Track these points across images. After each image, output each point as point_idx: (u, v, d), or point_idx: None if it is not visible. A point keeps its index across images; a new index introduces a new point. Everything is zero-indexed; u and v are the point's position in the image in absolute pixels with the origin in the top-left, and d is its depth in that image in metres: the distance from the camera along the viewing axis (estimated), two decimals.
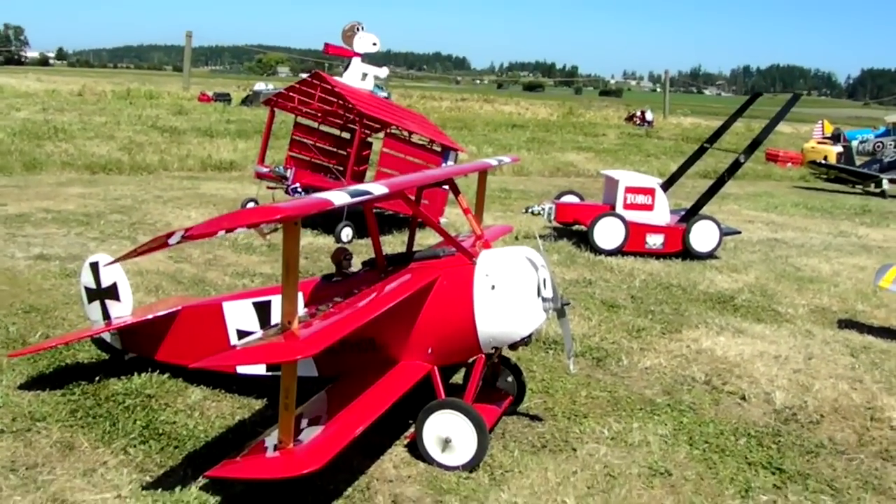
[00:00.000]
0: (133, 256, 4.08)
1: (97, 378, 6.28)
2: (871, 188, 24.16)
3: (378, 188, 4.63)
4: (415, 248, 6.10)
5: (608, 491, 5.15)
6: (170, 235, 3.63)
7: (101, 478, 4.94)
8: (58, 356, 6.73)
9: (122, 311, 6.45)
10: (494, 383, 6.18)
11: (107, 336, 6.55)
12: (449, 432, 5.19)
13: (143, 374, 6.35)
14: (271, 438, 4.61)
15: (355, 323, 4.45)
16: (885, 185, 23.42)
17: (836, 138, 30.48)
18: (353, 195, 4.32)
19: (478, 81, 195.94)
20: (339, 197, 4.17)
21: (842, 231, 15.96)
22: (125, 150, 20.38)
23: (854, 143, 28.70)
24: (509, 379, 6.23)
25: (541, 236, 6.23)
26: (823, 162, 26.71)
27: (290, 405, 4.30)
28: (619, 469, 5.45)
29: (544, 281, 5.46)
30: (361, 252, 6.49)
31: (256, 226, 3.91)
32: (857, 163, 26.55)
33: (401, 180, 5.39)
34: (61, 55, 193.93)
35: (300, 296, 5.44)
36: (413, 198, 5.68)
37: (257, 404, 6.09)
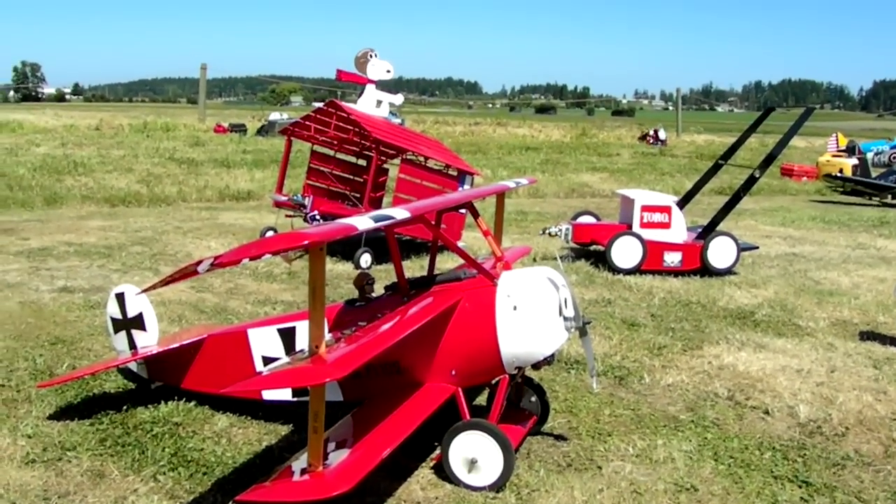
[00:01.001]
0: (162, 286, 4.15)
1: (125, 407, 6.37)
2: (889, 199, 24.13)
3: (400, 212, 4.71)
4: (436, 272, 6.16)
5: None
6: (198, 264, 3.70)
7: None
8: (85, 386, 6.82)
9: (148, 340, 6.53)
10: (518, 403, 6.22)
11: (133, 366, 6.62)
12: (475, 453, 5.23)
13: (169, 403, 6.42)
14: (299, 463, 4.66)
15: (381, 346, 4.51)
16: None
17: (850, 151, 30.43)
18: (376, 220, 4.40)
19: (490, 105, 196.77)
20: (362, 222, 4.24)
21: (860, 243, 15.92)
22: (144, 182, 20.59)
23: (869, 155, 28.64)
24: (533, 399, 6.26)
25: (560, 257, 6.28)
26: (839, 175, 26.68)
27: (318, 428, 4.36)
28: (645, 486, 5.46)
29: (565, 300, 5.51)
30: (381, 278, 6.56)
31: (283, 252, 3.98)
32: (873, 174, 26.50)
33: (421, 204, 5.46)
34: (77, 90, 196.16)
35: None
36: (433, 222, 5.75)
37: (284, 430, 6.14)
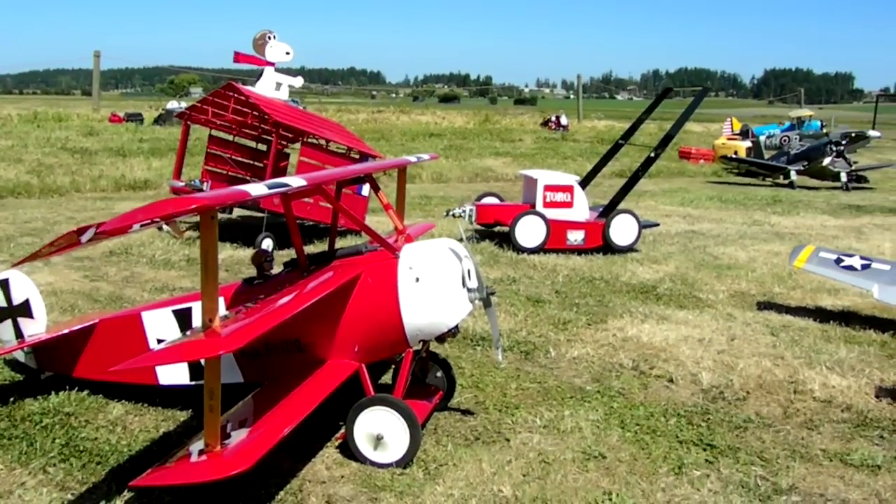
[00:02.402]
0: (43, 256, 3.92)
1: (11, 399, 6.04)
2: (780, 180, 24.95)
3: (297, 181, 4.56)
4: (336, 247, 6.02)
5: (544, 477, 5.13)
6: (81, 232, 3.49)
7: (18, 499, 4.72)
8: None
9: (36, 328, 6.22)
10: (424, 379, 6.13)
11: (21, 356, 6.30)
12: (380, 429, 5.12)
13: (60, 393, 6.11)
14: (196, 445, 4.48)
15: (279, 318, 4.35)
16: (793, 176, 24.16)
17: (744, 134, 31.28)
18: (270, 187, 4.24)
19: (394, 95, 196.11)
20: (256, 188, 4.08)
21: (755, 220, 16.35)
22: (34, 172, 19.77)
23: (762, 139, 29.49)
24: (438, 374, 6.18)
25: (464, 233, 6.21)
26: (734, 157, 27.49)
27: (215, 407, 4.18)
28: (554, 455, 5.44)
29: (469, 271, 5.44)
30: (282, 263, 6.40)
31: (172, 217, 3.79)
32: (766, 156, 27.37)
33: (320, 174, 5.31)
34: None
35: (221, 300, 5.33)
36: (333, 195, 5.61)
37: (182, 416, 5.92)
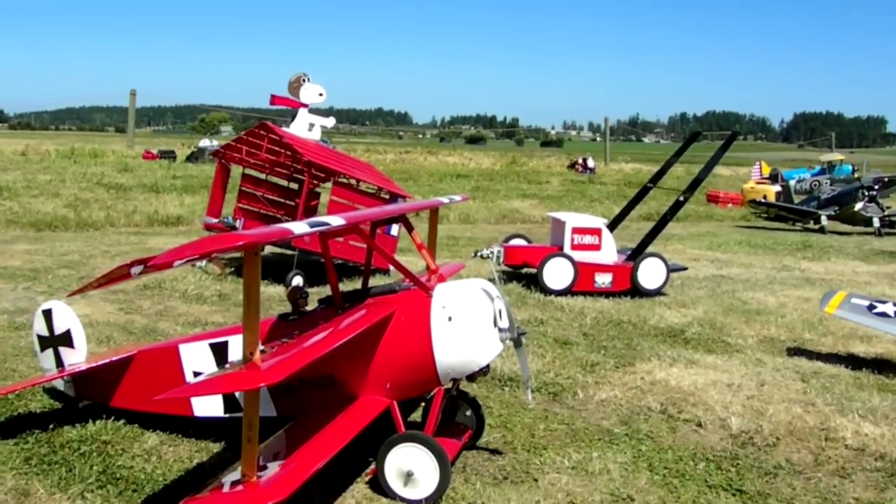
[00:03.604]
0: (92, 288, 4.05)
1: (51, 426, 6.18)
2: (811, 225, 24.89)
3: (336, 220, 4.69)
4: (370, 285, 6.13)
5: None
6: (131, 265, 3.63)
7: None
8: (9, 406, 6.61)
9: (76, 358, 6.36)
10: (454, 418, 6.20)
11: (60, 384, 6.45)
12: (411, 465, 5.20)
13: (98, 421, 6.25)
14: (229, 477, 4.57)
15: (317, 353, 4.45)
16: (824, 221, 24.14)
17: (774, 178, 31.30)
18: (312, 226, 4.37)
19: (420, 135, 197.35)
20: (298, 227, 4.21)
21: (785, 265, 16.32)
22: (71, 206, 20.15)
23: (791, 183, 29.48)
24: (468, 413, 6.24)
25: (495, 272, 6.31)
26: (763, 201, 27.44)
27: (253, 437, 4.28)
28: (582, 497, 5.48)
29: (500, 311, 5.53)
30: (312, 301, 6.52)
31: (218, 253, 3.91)
32: (796, 201, 27.33)
33: (357, 214, 5.44)
34: (2, 117, 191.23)
35: None
36: (368, 233, 5.74)
37: (216, 447, 6.02)
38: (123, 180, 24.20)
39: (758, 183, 31.26)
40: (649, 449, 6.39)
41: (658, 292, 12.38)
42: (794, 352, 9.35)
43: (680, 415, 7.16)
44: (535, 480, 5.73)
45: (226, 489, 4.43)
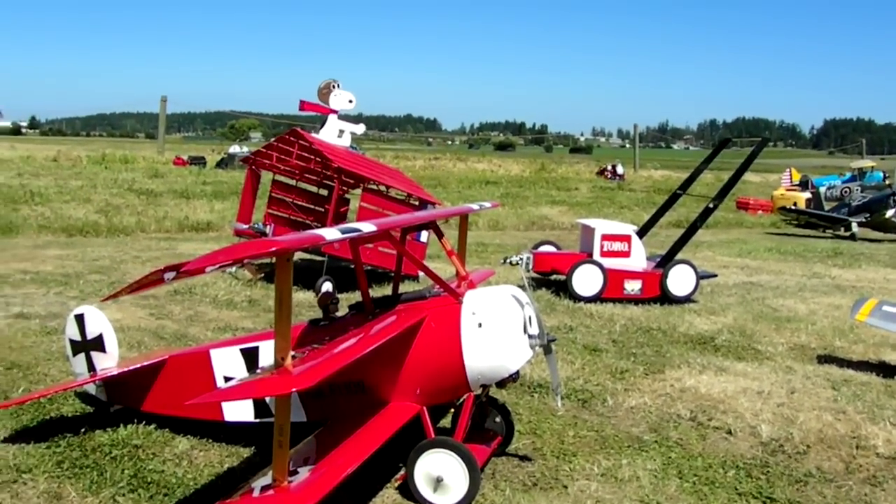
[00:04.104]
0: (126, 293, 4.09)
1: (82, 430, 6.25)
2: (841, 232, 24.68)
3: (367, 226, 4.71)
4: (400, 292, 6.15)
5: None
6: (164, 271, 3.66)
7: None
8: (41, 410, 6.69)
9: (108, 362, 6.42)
10: (483, 424, 6.19)
11: (91, 388, 6.51)
12: (440, 471, 5.20)
13: (129, 426, 6.31)
14: (259, 482, 4.60)
15: (348, 359, 4.47)
16: (854, 227, 23.94)
17: (804, 185, 31.08)
18: (343, 232, 4.40)
19: (449, 142, 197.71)
20: (330, 233, 4.24)
21: (815, 273, 16.18)
22: (102, 212, 20.38)
23: (822, 190, 29.26)
24: (497, 419, 6.24)
25: (525, 278, 6.31)
26: (793, 208, 27.24)
27: (284, 442, 4.30)
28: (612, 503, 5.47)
29: (530, 318, 5.53)
30: (341, 307, 6.58)
31: (251, 259, 3.95)
32: (826, 208, 27.10)
33: (388, 220, 5.47)
34: (34, 124, 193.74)
35: None
36: (399, 239, 5.76)
37: (246, 452, 6.06)
38: (154, 186, 24.44)
39: (788, 190, 31.05)
40: (679, 456, 6.36)
41: (688, 299, 12.32)
42: (825, 359, 9.27)
43: (710, 422, 7.12)
44: (565, 487, 5.72)
45: (256, 494, 4.46)
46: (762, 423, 7.02)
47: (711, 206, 12.71)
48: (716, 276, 13.86)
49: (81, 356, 6.46)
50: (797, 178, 32.64)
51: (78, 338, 6.44)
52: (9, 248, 16.03)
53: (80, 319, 6.43)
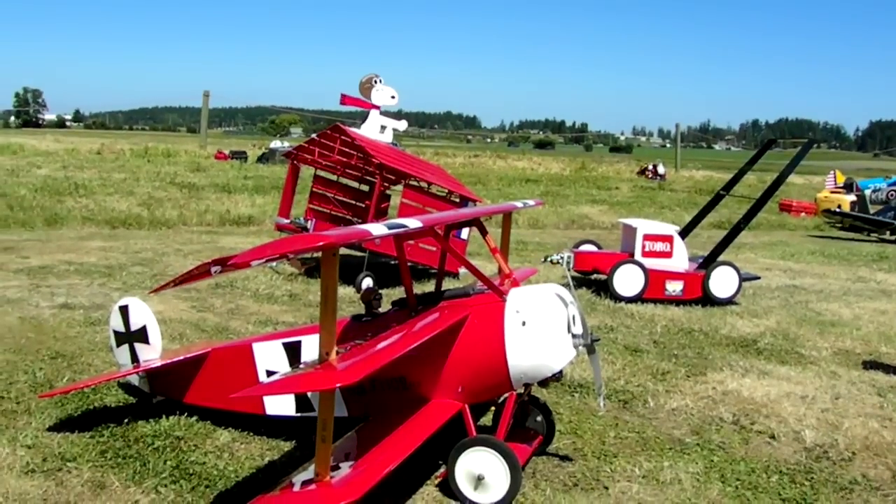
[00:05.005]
0: (172, 286, 4.12)
1: (125, 420, 6.31)
2: (886, 235, 24.28)
3: (413, 222, 4.70)
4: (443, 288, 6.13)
5: None
6: (211, 264, 3.68)
7: None
8: (85, 400, 6.77)
9: (151, 354, 6.48)
10: (524, 423, 6.16)
11: (135, 379, 6.57)
12: (481, 469, 5.17)
13: (171, 417, 6.36)
14: (299, 476, 4.60)
15: (392, 355, 4.47)
16: None
17: (848, 188, 30.58)
18: (390, 227, 4.39)
19: (489, 140, 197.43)
20: (376, 228, 4.23)
21: (860, 277, 15.92)
22: (144, 205, 20.61)
23: (867, 192, 28.78)
24: (538, 418, 6.20)
25: (569, 275, 6.27)
26: (838, 210, 26.82)
27: (327, 437, 4.30)
28: None
29: (574, 317, 5.49)
30: (385, 303, 6.59)
31: (296, 254, 3.95)
32: (871, 211, 26.67)
33: (433, 217, 5.45)
34: (78, 117, 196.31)
35: None
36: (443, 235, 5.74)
37: (286, 446, 6.08)
38: (196, 180, 24.66)
39: (832, 192, 30.56)
40: (721, 460, 6.28)
41: (730, 301, 12.19)
42: (870, 365, 9.10)
43: (752, 426, 7.03)
44: (606, 488, 5.67)
45: (297, 488, 4.46)
46: (806, 428, 6.92)
47: (755, 207, 12.56)
48: (759, 278, 13.69)
49: (125, 347, 6.52)
50: (842, 180, 32.13)
51: (122, 329, 6.50)
52: (54, 239, 16.26)
53: (124, 311, 6.49)
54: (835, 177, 32.64)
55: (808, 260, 18.37)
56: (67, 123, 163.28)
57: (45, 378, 7.30)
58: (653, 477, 5.88)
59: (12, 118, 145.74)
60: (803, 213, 29.51)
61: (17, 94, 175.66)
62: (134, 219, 19.28)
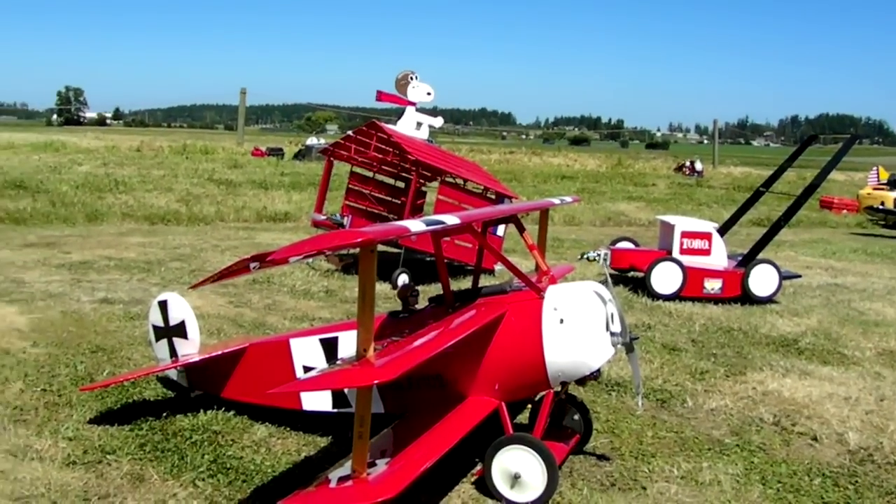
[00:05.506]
0: (212, 282, 4.13)
1: (164, 414, 6.36)
2: None
3: (451, 219, 4.67)
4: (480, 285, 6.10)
5: None
6: (251, 260, 3.67)
7: None
8: (125, 393, 6.83)
9: (190, 349, 6.51)
10: (561, 421, 6.12)
11: (173, 374, 6.62)
12: (518, 468, 5.14)
13: (209, 411, 6.39)
14: (336, 472, 4.60)
15: (430, 352, 4.45)
16: None
17: (892, 184, 30.04)
18: (427, 224, 4.37)
19: (524, 136, 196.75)
20: (415, 225, 4.21)
21: None
22: (183, 201, 20.77)
23: None
24: (576, 417, 6.16)
25: (607, 273, 6.22)
26: (881, 207, 26.41)
27: (364, 434, 4.29)
28: None
29: (612, 315, 5.44)
30: (422, 299, 6.57)
31: (334, 250, 3.94)
32: None
33: (470, 213, 5.43)
34: (118, 115, 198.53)
35: None
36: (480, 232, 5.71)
37: (323, 441, 6.09)
38: (233, 176, 24.81)
39: (875, 189, 30.05)
40: (762, 461, 6.19)
41: (769, 300, 12.03)
42: None
43: (794, 427, 6.92)
44: (644, 488, 5.61)
45: (333, 485, 4.46)
46: (849, 430, 6.80)
47: (796, 204, 12.39)
48: (799, 276, 13.51)
49: (164, 342, 6.56)
50: (885, 176, 31.58)
51: (161, 324, 6.55)
52: (94, 234, 16.43)
53: (163, 306, 6.53)
54: (878, 173, 32.12)
55: (851, 258, 18.10)
56: (108, 121, 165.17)
57: (85, 371, 7.37)
58: (691, 478, 5.81)
59: (55, 116, 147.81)
60: (845, 211, 29.08)
61: (59, 93, 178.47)
62: (172, 215, 19.45)
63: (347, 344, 5.75)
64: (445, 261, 5.91)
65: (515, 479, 5.14)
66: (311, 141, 41.64)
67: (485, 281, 9.55)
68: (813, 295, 13.01)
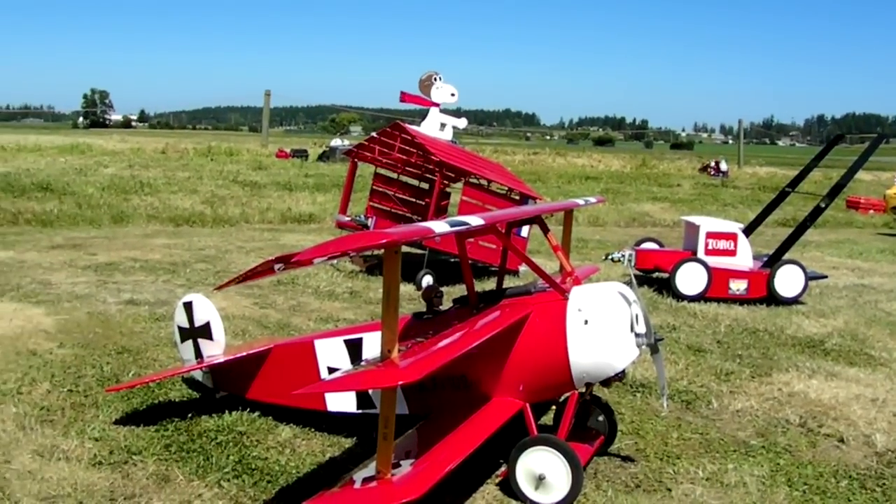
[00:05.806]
0: (237, 283, 4.15)
1: (189, 415, 6.39)
2: None
3: (475, 220, 4.67)
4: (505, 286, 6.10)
5: None
6: (275, 261, 3.69)
7: None
8: (150, 394, 6.87)
9: (215, 350, 6.55)
10: (586, 423, 6.10)
11: (198, 375, 6.66)
12: (543, 469, 5.13)
13: (233, 412, 6.42)
14: (360, 473, 4.61)
15: (454, 352, 4.45)
16: None
17: None
18: (452, 225, 4.37)
19: (548, 137, 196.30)
20: (439, 226, 4.22)
21: None
22: (208, 203, 20.89)
23: None
24: (600, 418, 6.14)
25: (632, 274, 6.20)
26: None
27: (389, 435, 4.30)
28: None
29: (637, 316, 5.42)
30: (446, 300, 6.57)
31: (359, 251, 3.95)
32: None
33: (494, 214, 5.43)
34: (143, 117, 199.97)
35: None
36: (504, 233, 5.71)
37: (347, 442, 6.11)
38: (258, 178, 24.94)
39: None
40: (788, 463, 6.15)
41: (795, 301, 11.94)
42: None
43: (820, 429, 6.87)
44: (669, 490, 5.59)
45: (357, 485, 4.47)
46: (877, 432, 6.74)
47: (823, 205, 12.29)
48: (825, 277, 13.40)
49: (189, 343, 6.60)
50: None
51: (186, 325, 6.59)
52: (119, 236, 16.56)
53: (188, 307, 6.57)
54: None
55: (877, 258, 17.93)
56: (133, 123, 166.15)
57: (111, 372, 7.43)
58: (717, 479, 5.78)
59: (81, 119, 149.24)
60: (871, 211, 28.79)
61: (85, 96, 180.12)
62: (197, 216, 19.57)
63: (372, 345, 5.76)
64: (470, 262, 5.91)
65: (540, 481, 5.14)
66: (336, 142, 41.78)
67: (509, 282, 9.55)
68: (839, 296, 12.90)
